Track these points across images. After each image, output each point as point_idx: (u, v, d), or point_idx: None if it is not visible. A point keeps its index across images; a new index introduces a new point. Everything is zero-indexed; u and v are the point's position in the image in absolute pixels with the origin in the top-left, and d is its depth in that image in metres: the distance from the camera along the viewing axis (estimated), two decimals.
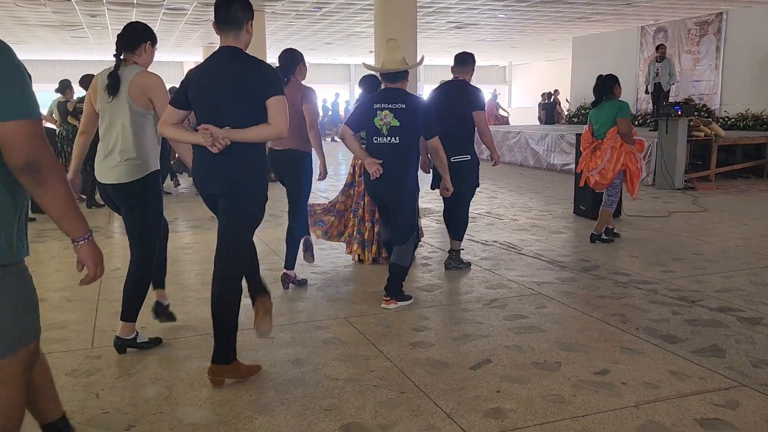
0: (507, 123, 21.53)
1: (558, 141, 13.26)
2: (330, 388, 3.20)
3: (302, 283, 4.96)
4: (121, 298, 3.67)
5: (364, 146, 4.46)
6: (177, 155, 10.70)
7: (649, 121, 14.97)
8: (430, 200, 8.80)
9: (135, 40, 3.54)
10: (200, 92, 3.10)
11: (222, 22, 3.08)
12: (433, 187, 5.22)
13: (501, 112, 22.39)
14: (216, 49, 3.19)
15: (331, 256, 5.89)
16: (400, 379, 3.28)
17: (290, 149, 4.62)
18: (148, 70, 3.56)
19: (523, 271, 5.40)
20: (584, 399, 3.04)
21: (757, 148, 11.87)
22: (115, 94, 3.43)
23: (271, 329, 3.50)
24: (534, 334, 3.91)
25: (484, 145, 5.57)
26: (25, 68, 1.82)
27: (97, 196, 8.94)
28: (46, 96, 11.51)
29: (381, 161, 4.25)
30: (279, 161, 4.67)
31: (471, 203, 5.50)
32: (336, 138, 22.07)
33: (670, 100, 13.32)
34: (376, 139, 4.32)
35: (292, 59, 4.68)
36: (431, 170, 5.30)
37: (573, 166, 9.43)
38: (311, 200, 5.05)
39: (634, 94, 16.36)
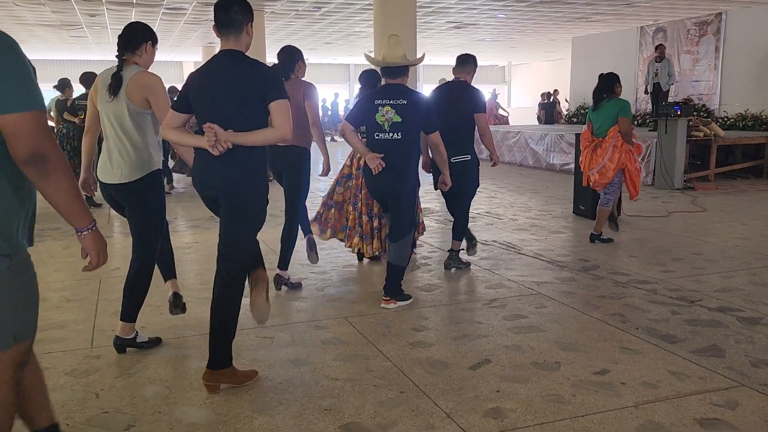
0: (507, 123, 21.54)
1: (557, 141, 13.26)
2: (329, 387, 3.19)
3: (296, 286, 4.91)
4: (120, 298, 3.67)
5: (363, 141, 4.47)
6: (177, 156, 10.72)
7: (648, 121, 14.98)
8: (430, 200, 8.80)
9: (135, 40, 3.54)
10: (200, 95, 3.10)
11: (222, 25, 3.07)
12: (436, 188, 5.22)
13: (501, 111, 22.40)
14: (216, 50, 3.18)
15: (330, 256, 5.89)
16: (399, 379, 3.28)
17: (292, 146, 4.60)
18: (148, 70, 3.56)
19: (523, 270, 5.40)
20: (584, 399, 3.04)
21: (756, 148, 11.87)
22: (116, 94, 3.44)
23: (268, 311, 3.39)
24: (533, 334, 3.91)
25: (483, 146, 5.57)
26: (30, 62, 1.82)
27: (97, 195, 8.95)
28: (45, 95, 11.47)
29: (382, 156, 4.25)
30: (280, 158, 4.66)
31: (471, 203, 5.50)
32: (336, 138, 22.06)
33: (670, 100, 13.32)
34: (377, 135, 4.31)
35: (290, 56, 4.68)
36: (431, 171, 5.30)
37: (572, 165, 9.44)
38: (312, 201, 5.05)
39: (634, 94, 16.36)
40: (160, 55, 25.23)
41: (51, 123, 9.55)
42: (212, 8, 3.13)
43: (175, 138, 3.17)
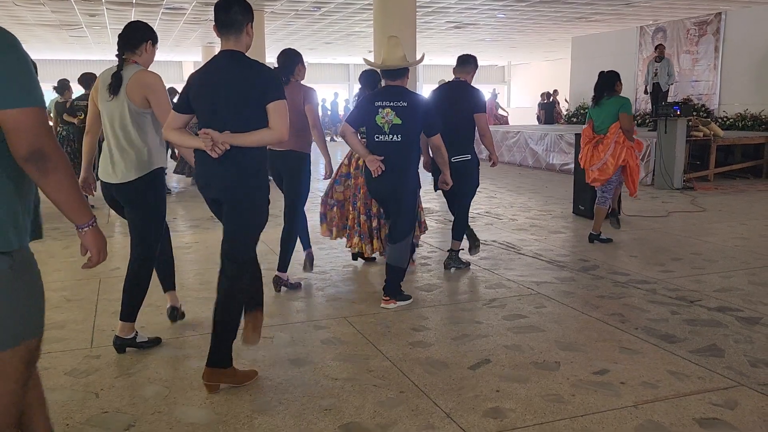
0: (506, 123, 21.54)
1: (557, 141, 13.27)
2: (329, 387, 3.20)
3: (295, 287, 4.91)
4: (120, 298, 3.67)
5: (363, 142, 4.47)
6: (178, 157, 10.73)
7: (648, 121, 14.98)
8: (429, 200, 8.80)
9: (136, 39, 3.55)
10: (200, 96, 3.11)
11: (222, 25, 3.08)
12: (436, 189, 5.23)
13: (500, 112, 22.40)
14: (216, 49, 3.19)
15: (330, 256, 5.89)
16: (399, 379, 3.28)
17: (291, 150, 4.61)
18: (148, 69, 3.57)
19: (523, 270, 5.41)
20: (583, 399, 3.05)
21: (755, 148, 11.87)
22: (116, 94, 3.45)
23: (258, 340, 3.42)
24: (533, 334, 3.91)
25: (483, 146, 5.58)
26: (31, 59, 1.82)
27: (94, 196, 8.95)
28: (44, 96, 11.49)
29: (382, 158, 4.25)
30: (279, 162, 4.67)
31: (471, 203, 5.50)
32: (335, 137, 22.06)
33: (669, 100, 13.33)
34: (377, 137, 4.31)
35: (290, 59, 4.67)
36: (432, 171, 5.30)
37: (572, 165, 9.44)
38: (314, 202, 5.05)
39: (633, 94, 16.36)
40: (159, 55, 25.13)
41: (51, 124, 9.55)
42: (212, 8, 3.14)
43: (176, 139, 3.20)
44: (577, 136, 7.93)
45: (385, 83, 4.48)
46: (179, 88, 8.41)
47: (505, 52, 26.34)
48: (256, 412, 2.96)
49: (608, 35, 18.34)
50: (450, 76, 5.60)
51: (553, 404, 3.00)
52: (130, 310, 3.64)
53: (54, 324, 4.12)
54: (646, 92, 13.77)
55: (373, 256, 5.53)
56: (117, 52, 3.55)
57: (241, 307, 3.22)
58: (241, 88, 3.02)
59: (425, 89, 27.76)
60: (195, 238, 6.87)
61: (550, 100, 21.61)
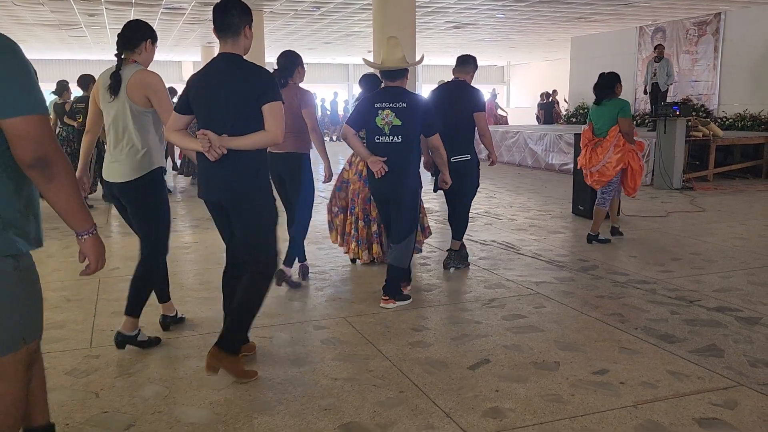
0: (506, 123, 21.54)
1: (556, 141, 13.27)
2: (329, 387, 3.20)
3: (296, 285, 4.93)
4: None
5: (364, 144, 4.47)
6: (181, 157, 10.73)
7: (647, 121, 14.99)
8: (429, 200, 8.80)
9: (135, 38, 3.55)
10: (199, 98, 3.14)
11: (219, 28, 3.10)
12: (435, 190, 5.23)
13: (500, 112, 22.40)
14: (215, 49, 3.21)
15: (330, 256, 5.89)
16: (399, 379, 3.29)
17: (289, 152, 4.62)
18: (147, 68, 3.57)
19: (522, 270, 5.41)
20: (583, 399, 3.05)
21: (755, 148, 11.88)
22: (116, 94, 3.45)
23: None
24: (532, 334, 3.92)
25: (482, 145, 5.58)
26: (31, 64, 1.82)
27: (92, 196, 8.95)
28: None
29: (385, 159, 4.26)
30: (279, 164, 4.67)
31: (471, 203, 5.49)
32: (334, 137, 22.07)
33: (668, 100, 13.34)
34: (378, 139, 4.32)
35: (290, 62, 4.67)
36: (432, 172, 5.30)
37: (571, 166, 9.44)
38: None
39: (633, 94, 16.38)
40: (158, 55, 25.21)
41: None
42: (211, 8, 3.15)
43: (178, 141, 3.23)
44: (577, 136, 7.93)
45: (384, 84, 4.49)
46: (178, 87, 8.36)
47: (505, 52, 26.35)
48: (255, 411, 2.96)
49: (607, 35, 18.34)
50: (449, 76, 5.60)
51: (553, 404, 3.00)
52: (135, 305, 3.65)
53: (54, 324, 4.12)
54: (645, 92, 13.77)
55: (373, 259, 5.52)
56: (116, 52, 3.54)
57: (264, 297, 3.28)
58: (237, 90, 3.05)
59: (425, 89, 27.77)
60: (195, 238, 6.87)
61: (549, 100, 21.61)
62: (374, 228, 5.43)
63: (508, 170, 13.45)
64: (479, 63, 5.57)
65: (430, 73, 29.61)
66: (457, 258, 5.45)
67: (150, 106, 3.48)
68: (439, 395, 3.09)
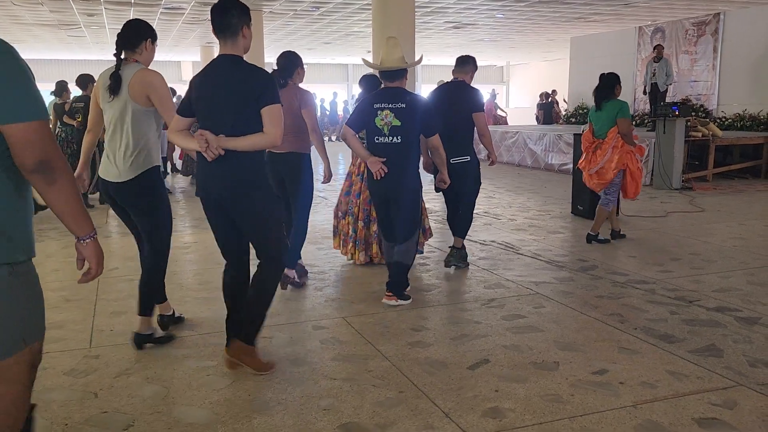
0: (505, 123, 21.54)
1: (556, 141, 13.27)
2: (328, 387, 3.20)
3: (300, 285, 4.94)
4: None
5: (364, 145, 4.47)
6: (182, 157, 10.74)
7: (646, 121, 15.00)
8: (429, 200, 8.79)
9: (135, 38, 3.55)
10: (200, 99, 3.18)
11: (218, 29, 3.13)
12: (437, 191, 5.23)
13: (499, 112, 22.40)
14: (214, 49, 3.22)
15: (329, 257, 5.89)
16: (398, 379, 3.28)
17: (289, 152, 4.62)
18: (148, 67, 3.57)
19: (521, 270, 5.41)
20: (582, 399, 3.05)
21: (754, 148, 11.88)
22: (117, 94, 3.45)
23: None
24: (532, 334, 3.92)
25: (482, 145, 5.58)
26: (29, 67, 1.82)
27: (91, 196, 8.95)
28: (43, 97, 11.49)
29: (384, 159, 4.26)
30: (278, 164, 4.66)
31: (475, 201, 5.51)
32: (333, 138, 22.07)
33: (668, 100, 13.34)
34: (377, 139, 4.32)
35: (290, 62, 4.67)
36: (433, 172, 5.30)
37: (571, 166, 9.45)
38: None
39: (632, 94, 16.38)
40: (158, 55, 25.06)
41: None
42: (210, 9, 3.15)
43: (179, 141, 3.27)
44: (576, 136, 7.94)
45: (384, 85, 4.48)
46: (178, 88, 8.35)
47: (504, 52, 26.36)
48: (255, 412, 2.95)
49: (607, 36, 18.35)
50: (449, 77, 5.60)
51: (552, 404, 3.00)
52: (146, 304, 3.68)
53: (53, 324, 4.11)
54: (644, 93, 13.77)
55: (369, 259, 5.50)
56: (115, 52, 3.54)
57: (272, 295, 3.37)
58: (237, 91, 3.07)
59: (424, 89, 27.78)
60: (194, 238, 6.86)
61: (549, 100, 21.62)
62: (374, 228, 5.42)
63: (508, 170, 13.45)
64: (479, 63, 5.57)
65: (429, 73, 29.62)
66: (458, 256, 5.45)
67: (151, 106, 3.49)
68: (438, 395, 3.09)
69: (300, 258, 5.18)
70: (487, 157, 5.69)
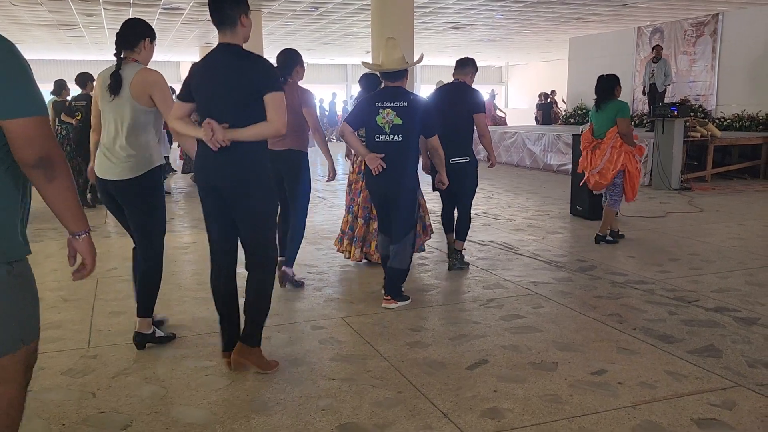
0: (504, 123, 21.54)
1: (555, 141, 13.28)
2: (327, 387, 3.19)
3: (299, 284, 4.94)
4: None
5: (363, 143, 4.47)
6: (182, 156, 10.71)
7: (645, 121, 15.01)
8: (429, 199, 8.78)
9: (134, 37, 3.54)
10: (200, 88, 3.17)
11: (216, 22, 3.14)
12: (434, 189, 5.22)
13: (498, 113, 22.39)
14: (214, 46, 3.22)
15: (328, 257, 5.89)
16: (397, 379, 3.28)
17: (290, 149, 4.62)
18: (147, 66, 3.56)
19: (520, 271, 5.41)
20: (581, 399, 3.04)
21: (753, 148, 11.89)
22: (117, 94, 3.44)
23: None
24: (531, 334, 3.91)
25: (481, 146, 5.58)
26: (28, 64, 1.82)
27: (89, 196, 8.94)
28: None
29: (382, 156, 4.27)
30: (278, 162, 4.66)
31: (472, 203, 5.50)
32: (332, 137, 22.06)
33: (667, 100, 13.34)
34: (378, 137, 4.33)
35: (290, 60, 4.66)
36: (431, 173, 5.30)
37: (570, 166, 9.45)
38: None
39: (631, 94, 16.39)
40: (157, 55, 24.90)
41: None
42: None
43: (180, 128, 3.25)
44: (575, 136, 7.94)
45: (384, 84, 4.49)
46: (177, 88, 8.33)
47: (503, 52, 26.36)
48: (253, 412, 2.95)
49: (606, 36, 18.36)
50: (448, 77, 5.60)
51: (551, 404, 2.99)
52: (145, 305, 3.67)
53: (51, 324, 4.11)
54: (644, 93, 13.76)
55: (365, 257, 5.50)
56: (115, 51, 3.54)
57: (270, 294, 3.38)
58: (238, 80, 3.06)
59: (423, 90, 27.78)
60: (193, 238, 6.86)
61: (548, 100, 21.62)
62: (374, 226, 5.41)
63: (507, 171, 13.45)
64: (478, 63, 5.57)
65: (428, 73, 29.61)
66: (461, 258, 5.45)
67: (153, 106, 3.48)
68: (437, 395, 3.09)
69: (293, 265, 5.14)
70: (486, 159, 5.68)
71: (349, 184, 5.59)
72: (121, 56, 3.52)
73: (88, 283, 5.01)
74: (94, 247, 2.01)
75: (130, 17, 3.77)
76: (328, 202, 9.17)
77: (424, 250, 5.81)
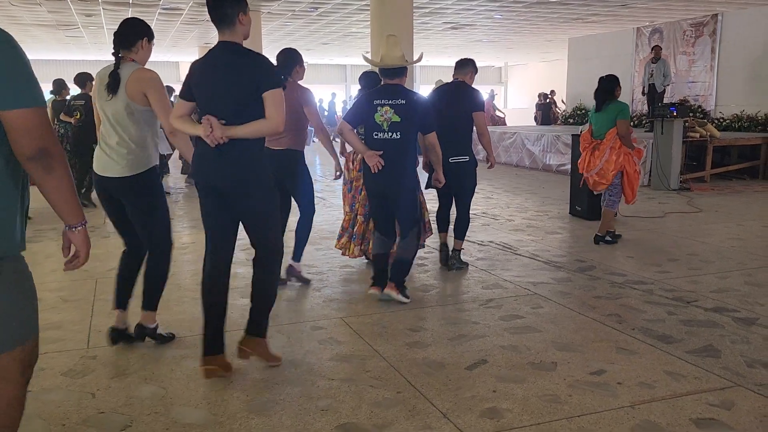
0: (504, 124, 21.53)
1: (554, 142, 13.28)
2: (326, 388, 3.19)
3: (306, 281, 4.99)
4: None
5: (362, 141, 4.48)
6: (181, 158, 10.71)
7: (644, 122, 15.02)
8: (428, 199, 8.79)
9: (131, 36, 3.54)
10: (200, 86, 3.18)
11: (214, 20, 3.15)
12: (427, 187, 5.23)
13: (497, 113, 22.39)
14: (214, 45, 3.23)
15: (327, 257, 5.89)
16: (396, 379, 3.28)
17: (288, 149, 4.62)
18: (145, 66, 3.56)
19: (519, 271, 5.41)
20: (580, 399, 3.05)
21: (752, 149, 11.90)
22: (115, 93, 3.44)
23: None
24: (530, 335, 3.92)
25: (480, 146, 5.58)
26: (27, 56, 1.83)
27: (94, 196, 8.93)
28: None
29: (381, 152, 4.27)
30: (277, 161, 4.66)
31: (471, 202, 5.50)
32: (337, 140, 22.02)
33: (666, 101, 13.35)
34: (376, 135, 4.33)
35: (290, 59, 4.66)
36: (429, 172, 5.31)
37: (569, 166, 9.45)
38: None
39: (630, 95, 16.40)
40: (156, 56, 24.98)
41: None
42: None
43: (180, 126, 3.26)
44: (574, 137, 7.95)
45: (383, 82, 4.50)
46: (177, 88, 8.33)
47: (502, 53, 26.37)
48: (252, 412, 2.95)
49: (605, 36, 18.37)
50: (447, 77, 5.61)
51: (550, 404, 3.00)
52: (151, 298, 3.70)
53: (50, 324, 4.11)
54: (643, 93, 13.77)
55: (363, 255, 5.50)
56: (113, 51, 3.54)
57: (276, 287, 3.45)
58: (237, 78, 3.08)
59: (422, 90, 27.77)
60: (192, 239, 6.86)
61: (547, 101, 21.62)
62: (372, 225, 5.41)
63: (506, 171, 13.46)
64: (477, 64, 5.57)
65: (427, 74, 29.63)
66: (459, 258, 5.46)
67: (148, 105, 3.47)
68: (436, 396, 3.09)
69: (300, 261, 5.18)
70: (485, 159, 5.67)
71: (350, 182, 5.58)
72: (119, 55, 3.52)
73: (87, 283, 5.01)
74: (88, 239, 2.03)
75: (127, 17, 3.76)
76: (327, 202, 9.17)
77: (423, 248, 5.81)
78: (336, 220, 7.40)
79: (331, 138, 5.19)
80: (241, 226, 3.34)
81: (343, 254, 5.54)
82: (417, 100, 4.41)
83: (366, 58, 4.77)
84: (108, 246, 6.46)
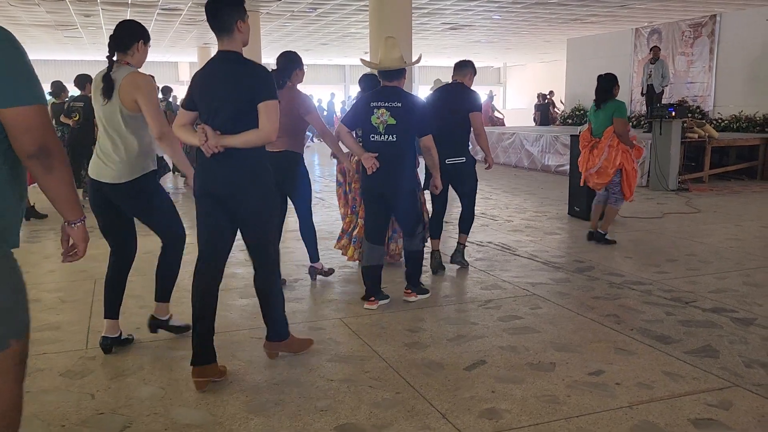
0: (503, 125, 21.52)
1: (552, 142, 13.29)
2: (325, 388, 3.20)
3: (329, 273, 5.17)
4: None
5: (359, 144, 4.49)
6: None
7: (643, 122, 15.03)
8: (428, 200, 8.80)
9: (127, 39, 3.49)
10: (202, 97, 3.20)
11: (212, 28, 3.16)
12: (425, 188, 5.24)
13: (496, 114, 22.38)
14: (211, 50, 3.24)
15: (326, 257, 5.88)
16: (395, 380, 3.29)
17: (286, 151, 4.63)
18: (139, 70, 3.51)
19: (518, 272, 5.41)
20: (578, 399, 3.05)
21: (750, 149, 11.91)
22: (110, 97, 3.40)
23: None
24: (528, 335, 3.92)
25: (479, 147, 5.59)
26: (26, 52, 1.83)
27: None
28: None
29: (377, 155, 4.28)
30: (276, 163, 4.65)
31: (475, 198, 5.55)
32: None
33: (664, 101, 13.37)
34: (373, 137, 4.34)
35: (290, 63, 4.67)
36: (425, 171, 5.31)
37: (567, 167, 9.46)
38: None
39: (629, 95, 16.41)
40: (155, 56, 24.89)
41: None
42: None
43: (182, 135, 3.29)
44: (573, 137, 7.96)
45: (382, 84, 4.50)
46: (175, 88, 8.33)
47: (501, 53, 26.37)
48: (252, 413, 2.95)
49: (603, 37, 18.38)
50: (446, 77, 5.62)
51: (549, 405, 3.00)
52: (164, 290, 3.73)
53: (49, 325, 4.11)
54: (642, 94, 13.78)
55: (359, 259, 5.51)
56: (107, 54, 3.48)
57: (281, 292, 3.49)
58: (234, 88, 3.10)
59: (421, 90, 27.78)
60: (192, 239, 6.83)
61: (546, 101, 21.63)
62: None
63: (505, 171, 13.47)
64: (476, 64, 5.58)
65: (426, 74, 29.62)
66: (463, 252, 5.50)
67: (140, 111, 3.41)
68: (435, 396, 3.10)
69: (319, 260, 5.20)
70: (483, 160, 5.67)
71: (348, 184, 5.59)
72: (114, 59, 3.47)
73: (86, 284, 5.01)
74: (87, 234, 2.06)
75: (123, 19, 3.72)
76: (326, 202, 9.18)
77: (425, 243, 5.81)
78: (335, 220, 7.41)
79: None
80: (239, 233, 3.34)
81: (343, 254, 5.56)
82: (413, 103, 4.40)
83: (364, 61, 4.77)
84: (107, 246, 6.45)
